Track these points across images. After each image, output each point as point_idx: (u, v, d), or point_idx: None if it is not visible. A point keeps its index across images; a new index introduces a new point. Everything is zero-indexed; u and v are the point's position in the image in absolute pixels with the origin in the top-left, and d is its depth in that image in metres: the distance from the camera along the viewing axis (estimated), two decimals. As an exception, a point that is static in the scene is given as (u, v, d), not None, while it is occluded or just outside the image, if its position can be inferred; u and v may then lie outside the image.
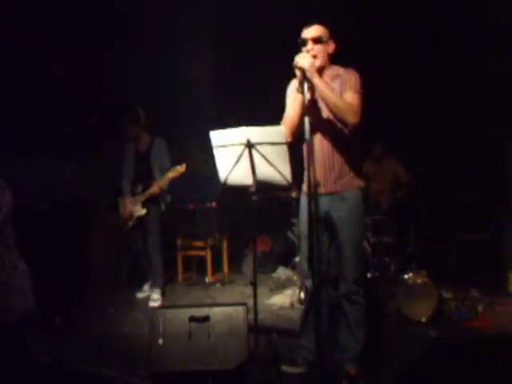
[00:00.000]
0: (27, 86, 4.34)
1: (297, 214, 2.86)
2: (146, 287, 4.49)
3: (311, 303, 2.58)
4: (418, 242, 3.99)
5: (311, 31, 2.47)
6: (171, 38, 4.76)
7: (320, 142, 2.52)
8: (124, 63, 4.84)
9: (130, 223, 4.31)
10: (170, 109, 5.20)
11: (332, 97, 2.37)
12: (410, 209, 4.17)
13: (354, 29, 4.34)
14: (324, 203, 2.53)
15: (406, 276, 3.60)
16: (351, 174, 2.55)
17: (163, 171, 4.20)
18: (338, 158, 2.52)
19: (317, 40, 2.46)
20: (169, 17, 4.76)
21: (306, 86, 2.30)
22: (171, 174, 4.11)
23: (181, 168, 4.11)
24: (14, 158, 4.18)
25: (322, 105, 2.48)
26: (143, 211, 4.25)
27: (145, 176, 4.29)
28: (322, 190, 2.52)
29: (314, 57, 2.42)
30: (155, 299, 4.25)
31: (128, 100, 4.69)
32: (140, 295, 4.46)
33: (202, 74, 5.29)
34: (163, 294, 4.36)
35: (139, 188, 4.29)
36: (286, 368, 2.66)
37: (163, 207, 4.38)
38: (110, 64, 4.84)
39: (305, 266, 2.55)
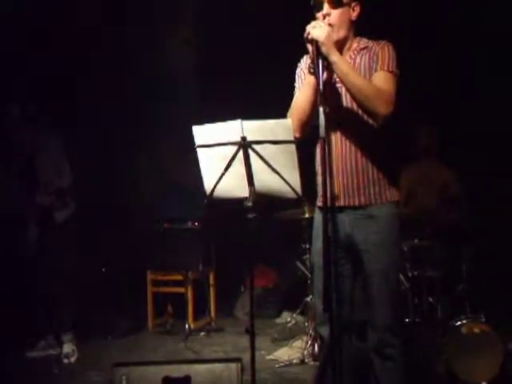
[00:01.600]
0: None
1: (309, 238, 2.87)
2: (43, 343, 4.49)
3: (328, 358, 2.58)
4: (474, 277, 4.00)
5: None
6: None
7: (339, 140, 2.54)
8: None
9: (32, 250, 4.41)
10: (142, 105, 5.61)
11: (356, 79, 2.39)
12: (464, 233, 4.18)
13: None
14: (345, 222, 2.54)
15: (458, 323, 3.60)
16: (382, 183, 2.55)
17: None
18: (363, 162, 2.53)
19: (336, 1, 2.48)
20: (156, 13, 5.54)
21: (320, 64, 2.32)
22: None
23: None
24: None
25: (342, 90, 2.50)
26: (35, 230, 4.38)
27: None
28: (342, 203, 2.54)
29: (332, 25, 2.45)
30: (68, 353, 4.29)
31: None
32: (32, 354, 4.44)
33: (181, 66, 5.71)
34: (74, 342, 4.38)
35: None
36: None
37: (61, 217, 4.42)
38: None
39: (319, 307, 2.56)
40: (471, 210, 4.36)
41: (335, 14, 2.48)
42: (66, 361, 4.26)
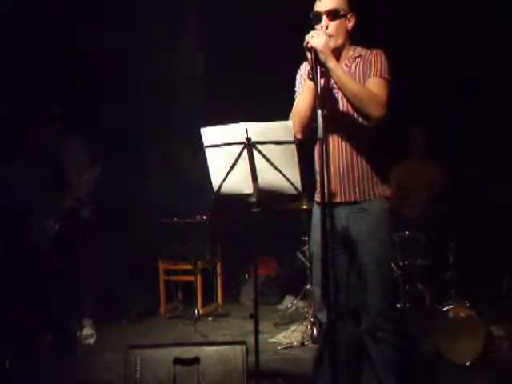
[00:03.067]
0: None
1: (308, 231, 2.87)
2: None
3: (326, 341, 2.58)
4: (460, 266, 3.99)
5: (326, 2, 2.48)
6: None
7: (336, 141, 2.54)
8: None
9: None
10: (154, 106, 5.54)
11: (351, 84, 2.39)
12: (450, 224, 4.18)
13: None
14: (341, 216, 2.54)
15: (445, 308, 3.61)
16: (374, 180, 2.56)
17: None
18: (358, 160, 2.53)
19: (333, 14, 2.47)
20: (160, 15, 5.33)
21: (318, 70, 2.31)
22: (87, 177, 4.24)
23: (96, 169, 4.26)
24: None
25: (338, 95, 2.50)
26: (56, 227, 4.27)
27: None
28: (338, 199, 2.54)
29: (330, 36, 2.44)
30: (88, 336, 4.29)
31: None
32: None
33: (192, 64, 5.64)
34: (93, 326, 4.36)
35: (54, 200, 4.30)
36: None
37: (86, 214, 4.38)
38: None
39: (318, 294, 2.56)
40: (458, 204, 4.34)
41: (333, 25, 2.48)
42: (85, 342, 4.26)
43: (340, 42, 2.51)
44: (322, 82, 2.37)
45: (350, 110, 2.49)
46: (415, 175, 4.61)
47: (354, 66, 2.52)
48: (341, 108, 2.52)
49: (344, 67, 2.50)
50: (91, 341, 4.29)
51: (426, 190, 4.61)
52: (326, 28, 2.46)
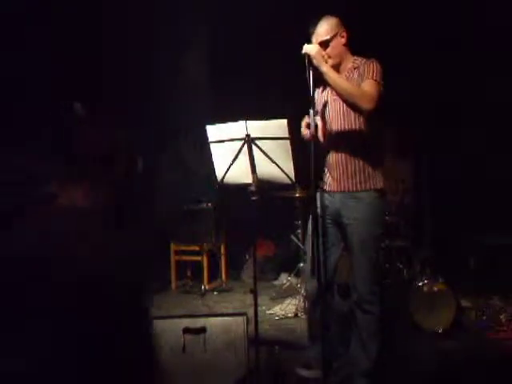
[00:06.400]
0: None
1: (301, 216, 2.85)
2: None
3: (314, 309, 2.59)
4: (434, 246, 3.97)
5: (317, 37, 2.49)
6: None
7: (334, 140, 2.56)
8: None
9: None
10: (161, 102, 5.38)
11: (342, 83, 2.40)
12: (425, 211, 4.14)
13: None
14: (336, 201, 2.56)
15: (420, 283, 3.59)
16: (366, 173, 2.54)
17: None
18: (351, 154, 2.53)
19: (324, 44, 2.48)
20: (168, 13, 5.09)
21: (311, 73, 2.33)
22: None
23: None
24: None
25: (335, 104, 2.52)
26: None
27: None
28: (335, 188, 2.57)
29: (330, 57, 2.46)
30: None
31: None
32: None
33: (196, 66, 5.53)
34: None
35: None
36: (301, 371, 2.68)
37: None
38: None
39: (309, 269, 2.56)
40: (427, 193, 4.28)
41: (327, 51, 2.48)
42: None
43: (338, 59, 2.52)
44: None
45: (345, 108, 2.48)
46: (391, 171, 4.54)
47: (351, 76, 2.52)
48: (338, 115, 2.52)
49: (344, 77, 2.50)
50: None
51: (399, 184, 4.55)
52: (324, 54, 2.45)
